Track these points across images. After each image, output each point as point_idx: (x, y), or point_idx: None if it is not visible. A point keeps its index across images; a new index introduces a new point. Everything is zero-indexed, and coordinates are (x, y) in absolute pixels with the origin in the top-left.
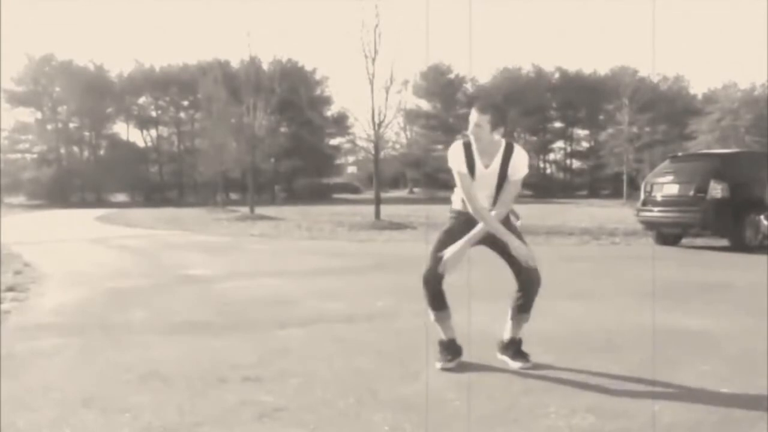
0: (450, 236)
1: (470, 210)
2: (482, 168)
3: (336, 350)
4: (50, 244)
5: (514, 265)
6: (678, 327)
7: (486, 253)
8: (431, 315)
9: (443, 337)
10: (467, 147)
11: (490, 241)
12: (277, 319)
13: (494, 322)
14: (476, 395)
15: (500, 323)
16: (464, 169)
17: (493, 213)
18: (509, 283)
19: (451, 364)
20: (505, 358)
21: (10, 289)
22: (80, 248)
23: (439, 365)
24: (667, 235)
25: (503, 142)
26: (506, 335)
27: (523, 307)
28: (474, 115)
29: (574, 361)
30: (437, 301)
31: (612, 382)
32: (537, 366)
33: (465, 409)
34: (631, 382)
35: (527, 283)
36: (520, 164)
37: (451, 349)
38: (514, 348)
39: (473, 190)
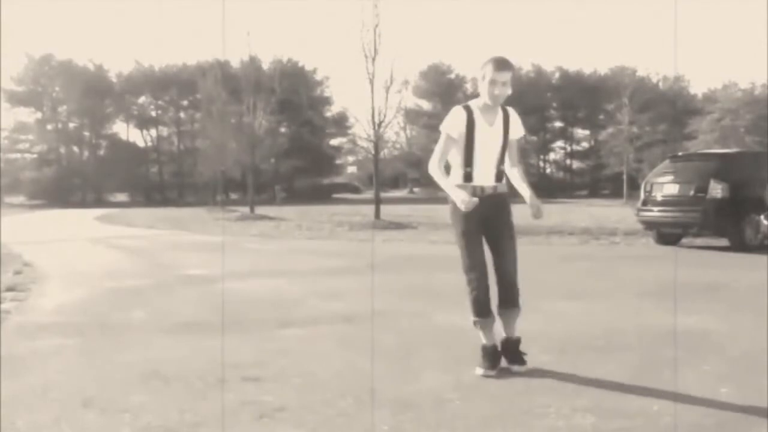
0: (468, 234)
1: (429, 167)
2: (486, 126)
3: (336, 350)
4: (50, 244)
5: (492, 258)
6: (678, 327)
7: (485, 252)
8: (473, 320)
9: (485, 342)
10: (468, 111)
11: (483, 225)
12: (277, 319)
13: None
14: (476, 395)
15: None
16: (454, 133)
17: (516, 171)
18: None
19: (493, 372)
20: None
21: (11, 288)
22: (80, 248)
23: (480, 372)
24: (667, 235)
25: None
26: (502, 333)
27: (503, 303)
28: (500, 74)
29: (574, 360)
30: (482, 307)
31: (612, 382)
32: (537, 365)
33: (465, 409)
34: (631, 382)
35: (497, 273)
36: (519, 124)
37: (494, 355)
38: (510, 349)
39: (444, 154)
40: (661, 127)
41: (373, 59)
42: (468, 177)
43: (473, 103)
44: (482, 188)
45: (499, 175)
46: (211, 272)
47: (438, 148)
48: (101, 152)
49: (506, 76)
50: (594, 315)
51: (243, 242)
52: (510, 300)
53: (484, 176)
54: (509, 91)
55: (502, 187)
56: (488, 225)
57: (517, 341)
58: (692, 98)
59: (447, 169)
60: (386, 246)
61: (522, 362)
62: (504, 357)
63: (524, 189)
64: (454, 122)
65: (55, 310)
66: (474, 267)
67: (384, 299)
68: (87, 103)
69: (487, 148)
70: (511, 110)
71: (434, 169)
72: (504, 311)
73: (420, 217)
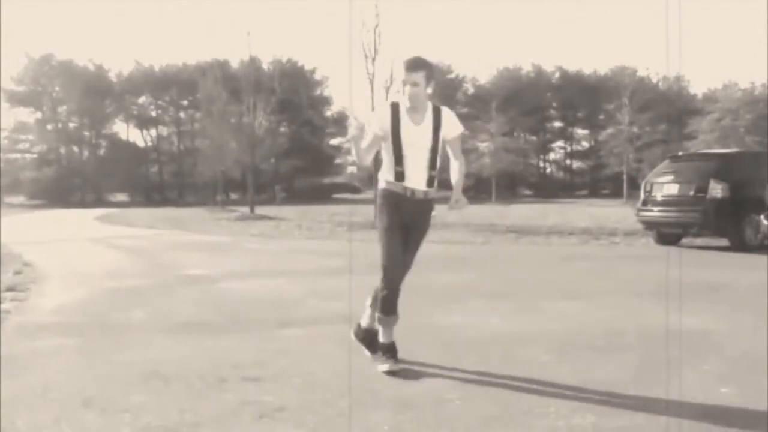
0: (391, 230)
1: (357, 160)
2: (411, 125)
3: (336, 350)
4: (50, 244)
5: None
6: (678, 326)
7: (483, 252)
8: (378, 317)
9: (384, 340)
10: (394, 109)
11: (405, 224)
12: (277, 319)
13: (489, 319)
14: (476, 395)
15: (506, 322)
16: (377, 130)
17: (456, 176)
18: (511, 283)
19: (398, 367)
20: (363, 347)
21: (11, 289)
22: (80, 248)
23: (386, 368)
24: (667, 235)
25: (430, 104)
26: (363, 322)
27: (378, 306)
28: (409, 75)
29: (575, 360)
30: (391, 306)
31: (612, 381)
32: (537, 366)
33: (465, 409)
34: (631, 382)
35: (386, 283)
36: (453, 122)
37: (393, 351)
38: (380, 345)
39: (370, 149)
40: (661, 127)
41: (373, 59)
42: (399, 176)
43: (402, 102)
44: (413, 191)
45: (431, 180)
46: (211, 272)
47: (364, 143)
48: (101, 152)
49: (416, 76)
50: (594, 315)
51: (243, 242)
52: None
53: (416, 179)
54: (426, 90)
55: (432, 194)
56: (408, 228)
57: (391, 343)
58: (692, 98)
59: (378, 164)
60: None
61: (392, 360)
62: (365, 345)
63: (456, 181)
64: (375, 118)
65: (55, 310)
66: (392, 265)
67: None
68: (87, 103)
69: (415, 147)
70: (444, 109)
71: (362, 165)
72: (377, 313)
73: None
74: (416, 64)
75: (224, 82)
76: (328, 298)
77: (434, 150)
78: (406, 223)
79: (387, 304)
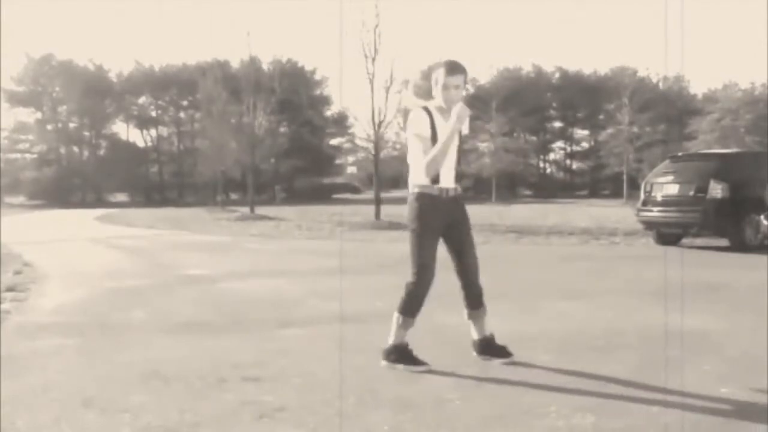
0: (432, 231)
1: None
2: (444, 123)
3: (336, 350)
4: (50, 244)
5: (455, 260)
6: (678, 327)
7: (483, 252)
8: (400, 319)
9: (402, 341)
10: (429, 112)
11: (446, 234)
12: (277, 319)
13: (489, 319)
14: (476, 395)
15: (506, 322)
16: (425, 133)
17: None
18: (511, 283)
19: (426, 364)
20: (487, 358)
21: (10, 289)
22: (80, 248)
23: (422, 368)
24: (667, 235)
25: None
26: (474, 335)
27: (474, 304)
28: (451, 79)
29: (574, 360)
30: (418, 307)
31: (612, 381)
32: (538, 365)
33: (465, 409)
34: (631, 382)
35: (464, 275)
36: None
37: (409, 352)
38: (488, 346)
39: (426, 155)
40: (661, 127)
41: (373, 59)
42: (435, 179)
43: (429, 105)
44: (447, 190)
45: (458, 176)
46: (211, 272)
47: (418, 152)
48: (101, 152)
49: (458, 79)
50: (594, 315)
51: (243, 242)
52: (480, 301)
53: (447, 179)
54: (463, 93)
55: (459, 190)
56: (452, 227)
57: (493, 337)
58: (692, 98)
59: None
60: (388, 246)
61: (508, 353)
62: (490, 355)
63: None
64: (421, 123)
65: (55, 310)
66: (428, 265)
67: (384, 299)
68: (87, 103)
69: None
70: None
71: (426, 169)
72: (475, 312)
73: None
74: (458, 68)
75: (224, 82)
76: (327, 298)
77: (460, 147)
78: (448, 224)
79: (413, 305)
